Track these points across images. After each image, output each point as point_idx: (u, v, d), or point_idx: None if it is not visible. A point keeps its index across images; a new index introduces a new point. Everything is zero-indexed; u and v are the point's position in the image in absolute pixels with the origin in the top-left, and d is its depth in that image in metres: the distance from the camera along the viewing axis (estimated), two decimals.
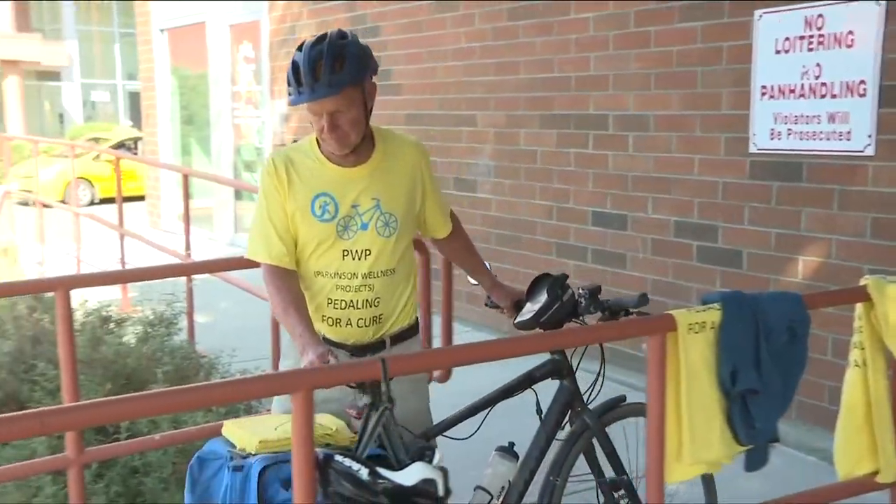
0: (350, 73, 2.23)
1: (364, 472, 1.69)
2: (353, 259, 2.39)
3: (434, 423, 2.49)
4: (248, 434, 2.02)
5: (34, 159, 15.82)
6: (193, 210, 7.13)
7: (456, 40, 6.37)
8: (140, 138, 16.58)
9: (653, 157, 5.04)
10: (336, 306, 2.42)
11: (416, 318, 2.59)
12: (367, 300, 2.41)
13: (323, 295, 2.43)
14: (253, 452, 1.97)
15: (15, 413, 1.66)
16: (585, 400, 2.56)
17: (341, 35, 2.29)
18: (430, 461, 1.72)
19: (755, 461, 2.18)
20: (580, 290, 2.52)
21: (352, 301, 2.41)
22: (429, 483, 1.69)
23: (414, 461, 1.72)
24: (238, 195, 9.94)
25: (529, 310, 2.55)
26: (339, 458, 1.74)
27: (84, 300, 4.72)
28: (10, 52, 25.31)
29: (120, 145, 17.06)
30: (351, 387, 2.09)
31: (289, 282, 2.37)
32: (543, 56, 5.67)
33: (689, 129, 4.83)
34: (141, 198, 12.20)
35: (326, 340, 2.41)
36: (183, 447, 3.33)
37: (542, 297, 2.53)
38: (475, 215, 6.32)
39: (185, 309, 5.32)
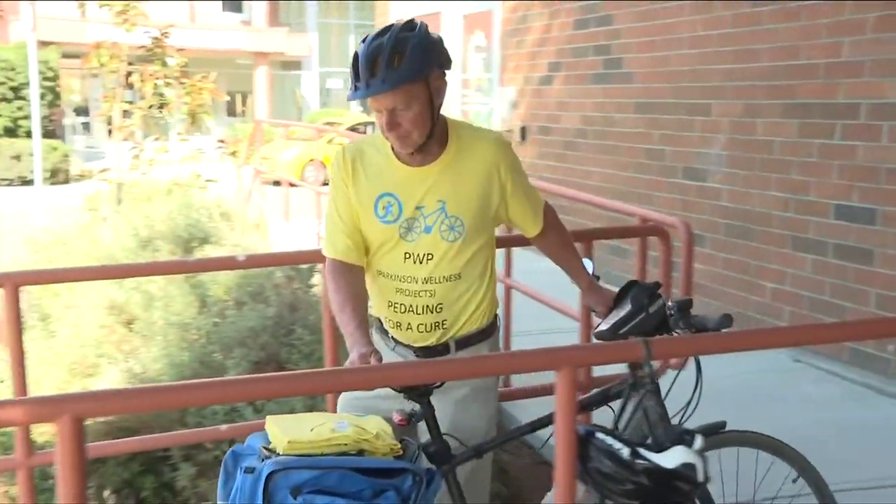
0: (409, 68, 2.06)
1: (625, 451, 1.73)
2: (415, 262, 2.26)
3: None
4: (281, 432, 1.93)
5: (277, 142, 17.10)
6: None
7: (692, 28, 6.22)
8: (371, 123, 17.52)
9: None
10: (396, 309, 2.31)
11: (492, 321, 2.41)
12: (427, 306, 2.28)
13: (385, 296, 2.33)
14: (280, 452, 1.89)
15: (313, 370, 1.88)
16: (680, 420, 2.24)
17: (408, 27, 2.13)
18: (690, 446, 1.75)
19: None
20: (670, 303, 2.28)
21: (411, 306, 2.29)
22: (689, 468, 1.71)
23: (675, 444, 1.75)
24: None
25: (610, 319, 2.34)
26: (599, 434, 1.80)
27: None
28: (261, 45, 27.98)
29: (352, 129, 18.07)
30: (396, 390, 2.05)
31: (350, 279, 2.27)
32: (788, 42, 5.41)
33: None
34: None
35: (394, 339, 2.37)
36: None
37: (626, 307, 2.30)
38: (703, 205, 6.17)
39: None
